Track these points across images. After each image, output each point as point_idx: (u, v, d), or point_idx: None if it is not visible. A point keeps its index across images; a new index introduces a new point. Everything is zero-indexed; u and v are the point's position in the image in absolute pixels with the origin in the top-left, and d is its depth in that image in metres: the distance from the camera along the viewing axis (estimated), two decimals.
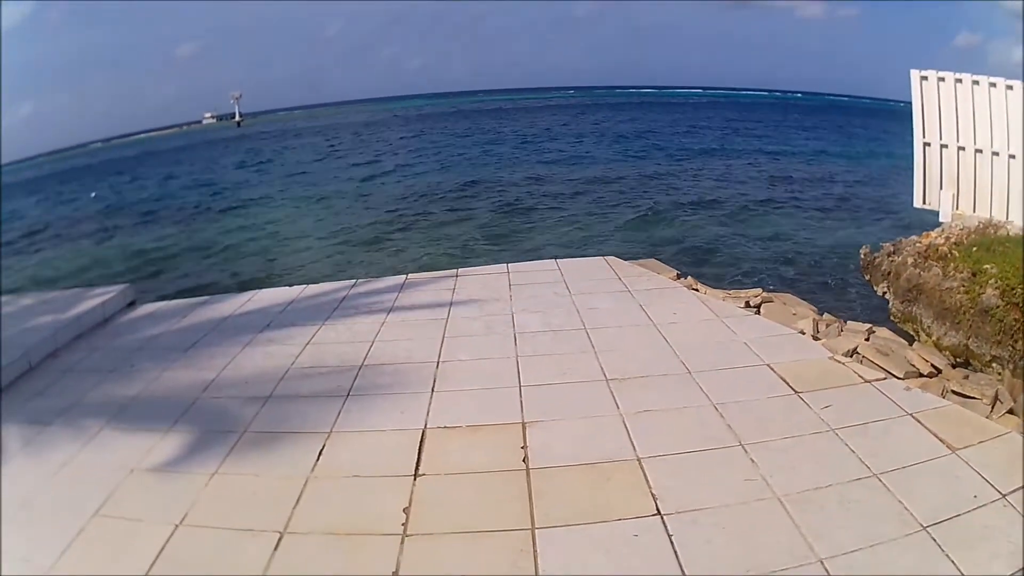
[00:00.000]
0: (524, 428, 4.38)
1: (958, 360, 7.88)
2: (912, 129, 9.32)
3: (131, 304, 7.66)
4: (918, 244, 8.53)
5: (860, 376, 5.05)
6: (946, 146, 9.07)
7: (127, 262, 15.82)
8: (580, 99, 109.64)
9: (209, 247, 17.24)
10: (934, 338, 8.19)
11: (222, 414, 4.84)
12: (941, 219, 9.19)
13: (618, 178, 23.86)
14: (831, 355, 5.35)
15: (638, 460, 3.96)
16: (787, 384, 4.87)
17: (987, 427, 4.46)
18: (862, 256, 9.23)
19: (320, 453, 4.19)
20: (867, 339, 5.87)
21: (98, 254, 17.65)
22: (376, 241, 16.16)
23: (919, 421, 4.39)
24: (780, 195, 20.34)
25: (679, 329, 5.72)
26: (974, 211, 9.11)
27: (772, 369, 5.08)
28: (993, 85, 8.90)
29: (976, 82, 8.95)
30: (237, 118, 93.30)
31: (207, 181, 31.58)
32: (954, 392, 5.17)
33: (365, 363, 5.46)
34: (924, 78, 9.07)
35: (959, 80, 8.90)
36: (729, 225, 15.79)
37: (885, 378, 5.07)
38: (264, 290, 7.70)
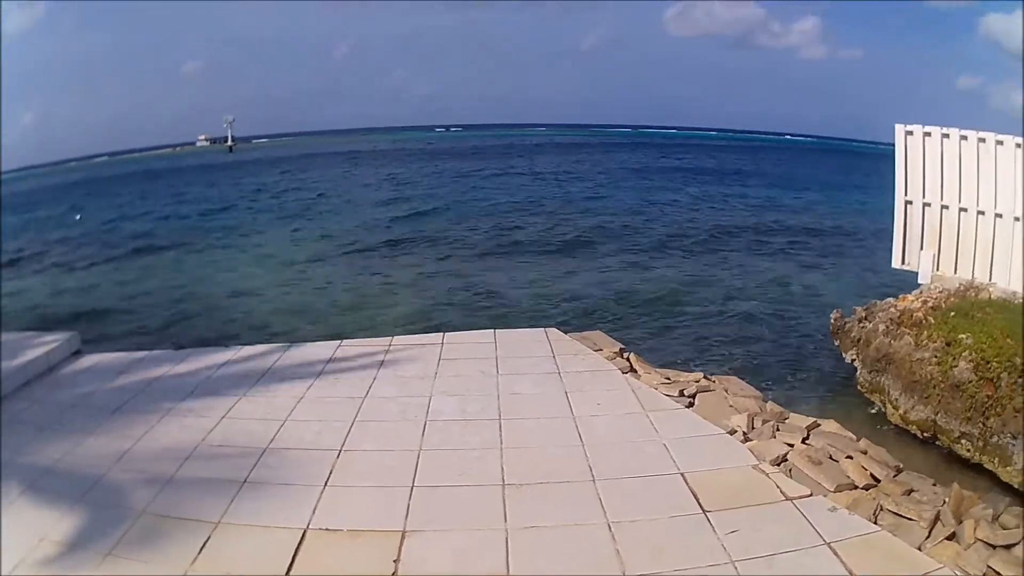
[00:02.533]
0: (403, 537, 4.05)
1: (926, 436, 7.27)
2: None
3: (76, 353, 7.54)
4: (892, 309, 7.87)
5: (782, 492, 4.54)
6: (929, 204, 8.40)
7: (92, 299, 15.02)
8: (595, 137, 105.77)
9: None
10: (901, 411, 7.55)
11: (124, 492, 4.69)
12: (920, 280, 8.51)
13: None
14: (756, 463, 4.83)
15: None
16: (696, 500, 4.39)
17: (917, 562, 3.93)
18: (832, 320, 8.59)
19: (203, 546, 4.01)
20: (806, 439, 5.31)
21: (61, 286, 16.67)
22: None
23: (836, 553, 3.87)
24: (760, 242, 19.36)
25: (598, 424, 5.27)
26: (955, 272, 8.39)
27: (685, 480, 4.59)
28: (982, 140, 8.18)
29: (964, 137, 8.25)
30: (229, 143, 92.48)
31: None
32: (889, 511, 4.58)
33: (271, 446, 5.18)
34: (909, 133, 8.40)
35: (946, 135, 8.21)
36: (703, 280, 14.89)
37: (810, 495, 4.54)
38: (200, 350, 7.48)
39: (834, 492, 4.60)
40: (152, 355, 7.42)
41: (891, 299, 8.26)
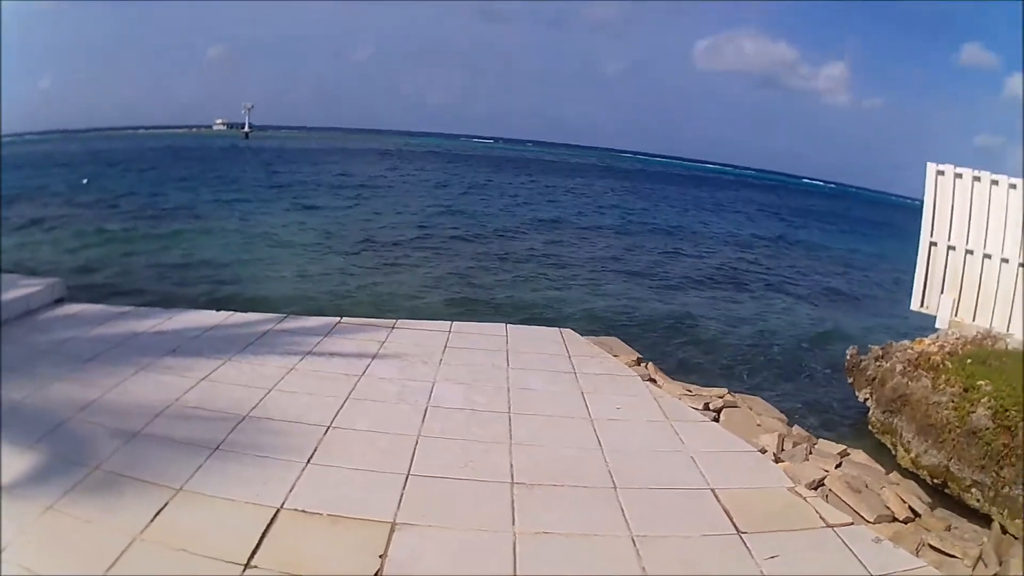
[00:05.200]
0: (392, 530, 3.38)
1: (935, 482, 6.69)
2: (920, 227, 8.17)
3: (59, 301, 6.78)
4: (910, 351, 7.34)
5: (822, 518, 3.92)
6: (953, 248, 7.92)
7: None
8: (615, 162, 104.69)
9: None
10: (912, 454, 6.97)
11: (83, 443, 4.05)
12: (938, 325, 7.99)
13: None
14: (792, 485, 4.20)
15: None
16: (730, 520, 3.74)
17: None
18: (848, 357, 8.03)
19: (158, 513, 3.37)
20: (838, 465, 4.72)
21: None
22: None
23: None
24: (775, 276, 18.75)
25: (618, 429, 4.60)
26: (974, 319, 7.90)
27: (716, 496, 3.94)
28: (1013, 187, 7.77)
29: (995, 182, 7.83)
30: (246, 129, 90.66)
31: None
32: (931, 547, 4.04)
33: (251, 414, 4.48)
34: (940, 173, 7.96)
35: (977, 178, 7.79)
36: (716, 306, 14.32)
37: (851, 523, 3.96)
38: (189, 311, 6.74)
39: (874, 523, 4.11)
40: (138, 311, 6.70)
41: (906, 341, 7.74)
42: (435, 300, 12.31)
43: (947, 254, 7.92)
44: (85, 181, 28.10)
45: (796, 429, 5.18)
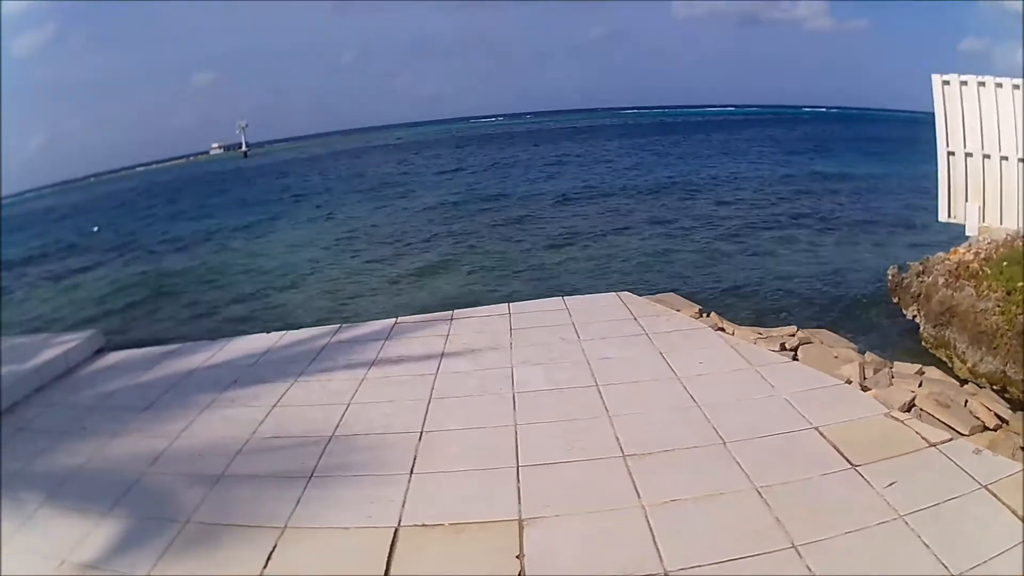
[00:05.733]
0: (521, 527, 3.30)
1: (994, 388, 6.75)
2: (935, 138, 8.15)
3: (99, 352, 6.60)
4: (947, 261, 7.36)
5: (923, 438, 3.96)
6: (971, 154, 7.92)
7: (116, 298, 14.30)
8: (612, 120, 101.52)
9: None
10: (969, 364, 7.04)
11: (166, 497, 3.89)
12: (968, 233, 8.02)
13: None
14: (887, 411, 4.21)
15: None
16: (841, 454, 3.76)
17: None
18: (890, 277, 8.05)
19: (269, 556, 3.22)
20: (920, 385, 4.72)
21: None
22: None
23: (996, 496, 3.37)
24: (795, 212, 18.35)
25: (707, 384, 4.58)
26: (1001, 222, 7.94)
27: (821, 434, 3.95)
28: (1016, 87, 7.75)
29: (999, 84, 7.81)
30: (244, 148, 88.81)
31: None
32: None
33: (335, 434, 4.38)
34: (946, 82, 7.92)
35: (981, 83, 7.76)
36: (745, 245, 14.19)
37: (950, 438, 3.99)
38: (239, 338, 6.60)
39: (969, 435, 4.12)
40: (184, 347, 6.54)
41: (941, 253, 7.76)
42: (486, 280, 12.42)
43: (966, 161, 7.93)
44: (96, 228, 27.61)
45: (869, 356, 5.18)
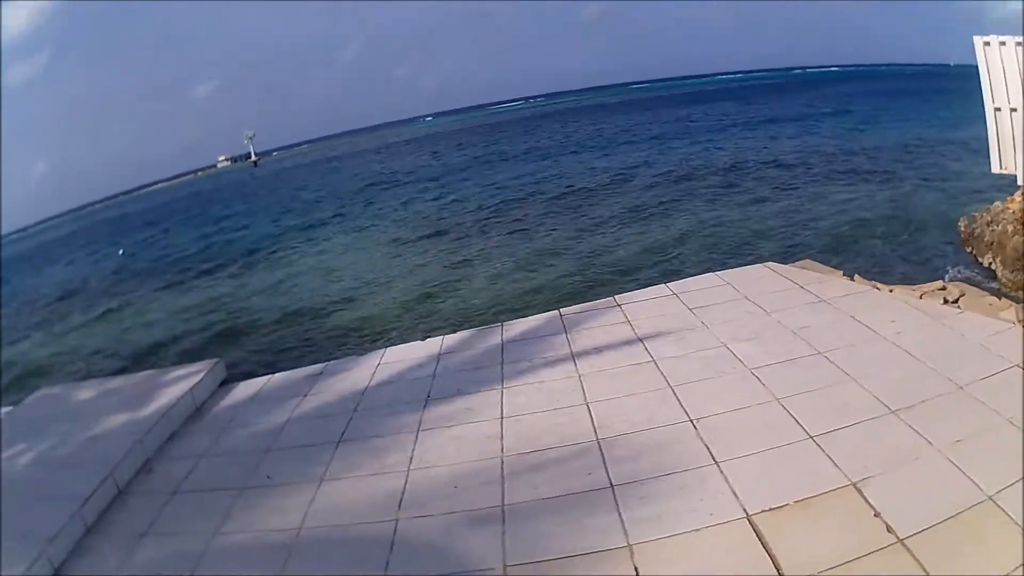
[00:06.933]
0: (859, 490, 3.43)
1: None
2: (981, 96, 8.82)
3: (224, 384, 5.78)
4: (1010, 209, 8.12)
5: None
6: (1015, 109, 8.63)
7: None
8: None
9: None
10: None
11: (451, 545, 3.38)
12: (1020, 182, 8.76)
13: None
14: None
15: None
16: None
17: None
18: (962, 228, 8.75)
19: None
20: None
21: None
22: None
23: None
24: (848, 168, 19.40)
25: (912, 339, 4.87)
26: None
27: None
28: None
29: None
30: (253, 158, 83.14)
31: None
32: None
33: (600, 437, 4.17)
34: (986, 44, 8.57)
35: (1019, 43, 8.44)
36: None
37: None
38: (392, 348, 6.06)
39: None
40: (329, 366, 5.83)
41: (999, 203, 8.47)
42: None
43: (1011, 116, 8.64)
44: (121, 252, 26.49)
45: (1005, 301, 5.74)
